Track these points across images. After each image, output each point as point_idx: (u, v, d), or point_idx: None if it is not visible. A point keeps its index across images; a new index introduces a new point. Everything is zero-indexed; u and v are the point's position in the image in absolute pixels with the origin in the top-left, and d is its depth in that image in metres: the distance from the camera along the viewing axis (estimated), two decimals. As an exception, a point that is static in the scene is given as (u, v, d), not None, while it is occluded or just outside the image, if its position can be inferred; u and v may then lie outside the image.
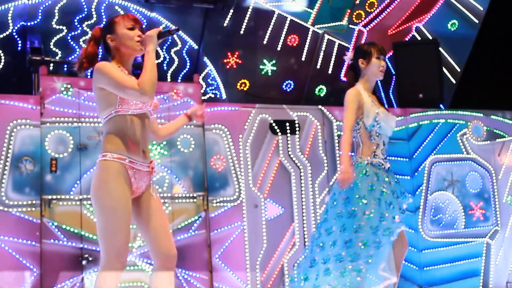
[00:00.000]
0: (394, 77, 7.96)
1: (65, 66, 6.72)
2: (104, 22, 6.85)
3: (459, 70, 8.26)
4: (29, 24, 6.62)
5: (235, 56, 7.53)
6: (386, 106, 8.02)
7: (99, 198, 3.26)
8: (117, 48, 3.43)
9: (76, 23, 6.78)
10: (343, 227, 4.11)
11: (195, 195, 5.74)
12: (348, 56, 4.55)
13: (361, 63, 4.41)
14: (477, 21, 8.25)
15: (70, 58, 6.72)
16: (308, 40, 7.87)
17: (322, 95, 8.07)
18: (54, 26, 6.69)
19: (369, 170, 4.23)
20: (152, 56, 3.33)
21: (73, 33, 6.77)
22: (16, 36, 6.60)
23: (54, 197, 5.30)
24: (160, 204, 3.44)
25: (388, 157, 5.82)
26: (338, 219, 4.13)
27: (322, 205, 6.22)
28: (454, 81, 8.28)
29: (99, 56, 3.44)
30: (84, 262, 5.28)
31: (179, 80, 7.13)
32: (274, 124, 6.19)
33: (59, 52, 6.70)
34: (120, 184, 3.24)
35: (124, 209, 3.25)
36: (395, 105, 8.08)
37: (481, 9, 8.21)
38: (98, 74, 3.29)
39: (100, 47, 3.47)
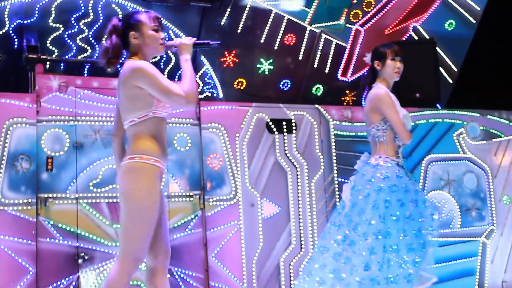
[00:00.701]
0: (391, 76, 7.96)
1: (62, 64, 6.71)
2: (100, 21, 6.86)
3: (456, 70, 8.27)
4: (25, 22, 6.60)
5: (232, 55, 7.53)
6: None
7: (131, 200, 3.24)
8: (140, 47, 3.47)
9: (73, 21, 6.76)
10: (404, 231, 4.10)
11: (191, 193, 5.73)
12: (367, 57, 4.61)
13: (376, 64, 4.50)
14: (474, 21, 8.26)
15: (66, 57, 6.71)
16: (305, 39, 7.87)
17: (319, 94, 8.07)
18: (51, 24, 6.68)
19: (399, 171, 4.30)
20: (190, 64, 3.39)
21: (69, 31, 6.76)
22: (12, 34, 6.59)
23: (50, 195, 5.29)
24: (164, 203, 3.50)
25: None
26: (396, 222, 4.10)
27: (318, 203, 6.22)
28: (451, 81, 8.29)
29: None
30: (80, 261, 5.28)
31: (176, 79, 7.13)
32: (271, 123, 6.19)
33: (56, 51, 6.68)
34: (155, 189, 3.26)
35: (155, 215, 3.26)
36: (392, 104, 8.08)
37: (478, 9, 8.22)
38: (139, 73, 3.31)
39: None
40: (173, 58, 7.23)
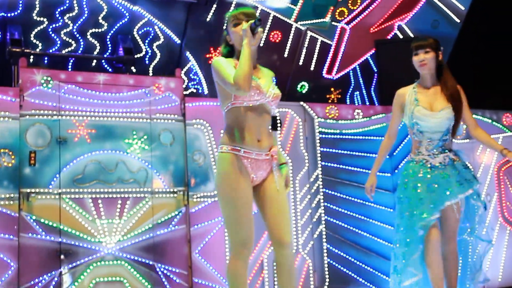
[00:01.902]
0: (375, 75, 8.00)
1: (45, 58, 6.66)
2: (85, 15, 6.81)
3: (440, 68, 8.31)
4: (9, 15, 6.54)
5: (218, 51, 7.52)
6: (367, 103, 8.08)
7: (219, 190, 3.48)
8: (234, 45, 3.62)
9: (57, 15, 6.72)
10: (399, 226, 4.46)
11: (175, 190, 5.72)
12: None
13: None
14: (458, 21, 8.32)
15: (50, 51, 6.66)
16: (291, 37, 7.88)
17: (304, 91, 8.09)
18: (35, 17, 6.63)
19: (407, 168, 4.50)
20: (246, 50, 3.40)
21: (54, 25, 6.71)
22: (-5, 28, 6.53)
23: (33, 190, 5.25)
24: (281, 192, 3.53)
25: (368, 154, 5.93)
26: (398, 218, 4.47)
27: (302, 201, 6.23)
28: (435, 80, 8.33)
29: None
30: (62, 257, 5.24)
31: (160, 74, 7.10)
32: (255, 120, 6.17)
33: (40, 44, 6.63)
34: (236, 174, 3.40)
35: (243, 198, 3.41)
36: (376, 102, 8.13)
37: (463, 8, 8.29)
38: (212, 69, 3.52)
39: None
40: (158, 54, 7.20)
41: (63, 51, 6.72)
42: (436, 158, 4.44)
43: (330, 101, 7.97)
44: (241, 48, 3.48)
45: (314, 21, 7.95)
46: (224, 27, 3.71)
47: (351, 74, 8.34)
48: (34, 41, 6.60)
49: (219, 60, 3.50)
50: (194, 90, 7.38)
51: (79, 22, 6.81)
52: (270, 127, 3.59)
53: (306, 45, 7.97)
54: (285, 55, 7.91)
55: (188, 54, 7.33)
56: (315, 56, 8.03)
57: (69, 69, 6.70)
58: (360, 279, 6.33)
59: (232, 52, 3.65)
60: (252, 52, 3.52)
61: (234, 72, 3.39)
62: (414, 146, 4.53)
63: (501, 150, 4.39)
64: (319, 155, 6.36)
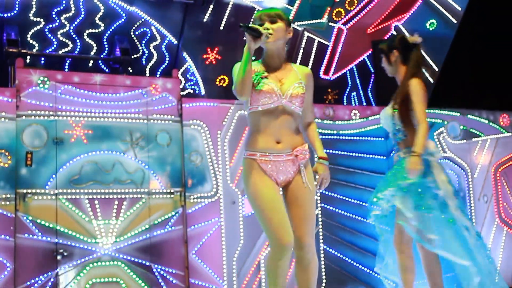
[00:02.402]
0: (372, 75, 8.00)
1: (42, 58, 6.65)
2: (82, 16, 6.80)
3: (437, 69, 8.32)
4: (5, 15, 6.53)
5: (215, 52, 7.51)
6: (364, 104, 8.09)
7: (247, 193, 3.55)
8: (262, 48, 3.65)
9: (54, 16, 6.70)
10: None
11: (172, 190, 5.71)
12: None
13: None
14: (455, 21, 8.32)
15: (47, 51, 6.64)
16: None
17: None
18: (32, 18, 6.61)
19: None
20: (244, 55, 3.48)
21: (50, 26, 6.69)
22: (-8, 28, 6.52)
23: (29, 191, 5.24)
24: (307, 192, 3.54)
25: (365, 155, 5.99)
26: None
27: (299, 202, 6.23)
28: (432, 80, 8.34)
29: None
30: (59, 257, 5.24)
31: (158, 75, 7.09)
32: (252, 121, 6.17)
33: (36, 45, 6.62)
34: (255, 176, 3.47)
35: (266, 195, 3.44)
36: (373, 103, 8.13)
37: (460, 9, 8.29)
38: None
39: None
40: (155, 54, 7.19)
41: (60, 52, 6.70)
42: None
43: (327, 101, 7.97)
44: (267, 48, 3.61)
45: (311, 21, 7.95)
46: None
47: (348, 74, 8.34)
48: (31, 41, 6.59)
49: (235, 67, 3.60)
50: (191, 91, 7.37)
51: (76, 23, 6.79)
52: (292, 127, 3.56)
53: (303, 45, 7.96)
54: (282, 56, 7.91)
55: (185, 54, 7.32)
56: (312, 56, 8.02)
57: (66, 70, 6.69)
58: (357, 280, 6.33)
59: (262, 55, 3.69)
60: (273, 51, 3.60)
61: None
62: None
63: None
64: (316, 156, 6.34)
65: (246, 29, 3.44)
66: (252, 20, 3.64)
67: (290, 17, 7.78)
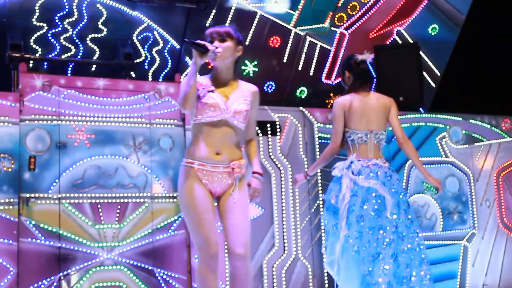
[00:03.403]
0: (374, 80, 8.01)
1: (45, 63, 6.67)
2: (85, 21, 6.82)
3: (439, 74, 8.34)
4: (9, 20, 6.54)
5: (217, 56, 7.51)
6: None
7: (179, 199, 3.70)
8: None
9: (57, 21, 6.72)
10: None
11: (175, 195, 5.71)
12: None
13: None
14: (457, 26, 8.34)
15: (50, 56, 6.66)
16: (290, 42, 7.89)
17: (303, 96, 8.10)
18: (35, 23, 6.63)
19: None
20: (190, 68, 3.67)
21: (53, 31, 6.71)
22: (-5, 33, 6.53)
23: (33, 195, 5.24)
24: (240, 203, 3.69)
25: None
26: None
27: (302, 206, 6.23)
28: (434, 85, 8.36)
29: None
30: (61, 262, 5.23)
31: (160, 80, 7.11)
32: (255, 125, 6.18)
33: (39, 49, 6.64)
34: (191, 184, 3.61)
35: (200, 204, 3.58)
36: (375, 108, 8.13)
37: (461, 14, 8.30)
38: None
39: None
40: (158, 59, 7.21)
41: (63, 56, 6.72)
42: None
43: (329, 106, 7.98)
44: (216, 65, 3.78)
45: (313, 26, 7.97)
46: None
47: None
48: (34, 46, 6.61)
49: (182, 79, 3.77)
50: (194, 95, 7.38)
51: (79, 27, 6.81)
52: (233, 140, 3.73)
53: (305, 50, 7.98)
54: (284, 60, 7.93)
55: (187, 59, 7.33)
56: (314, 61, 8.04)
57: (69, 74, 6.71)
58: (360, 284, 6.32)
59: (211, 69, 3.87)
60: (222, 68, 3.77)
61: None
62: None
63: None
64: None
65: (191, 45, 3.59)
66: (209, 34, 3.81)
67: (292, 22, 7.80)
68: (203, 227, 3.55)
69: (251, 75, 7.74)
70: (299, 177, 4.91)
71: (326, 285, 6.21)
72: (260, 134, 6.18)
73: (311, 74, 8.05)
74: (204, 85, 3.73)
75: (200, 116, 3.65)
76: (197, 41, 3.61)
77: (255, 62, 7.74)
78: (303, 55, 7.97)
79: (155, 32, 7.17)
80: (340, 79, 8.07)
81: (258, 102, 3.89)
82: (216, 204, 3.73)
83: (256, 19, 7.63)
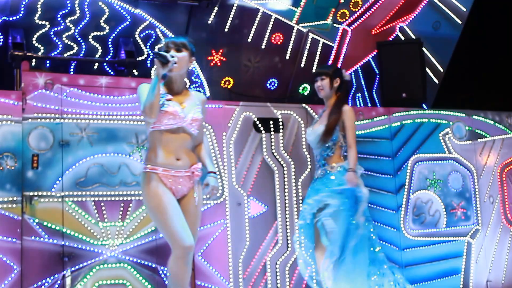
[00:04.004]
0: (377, 76, 8.00)
1: (47, 61, 6.67)
2: (87, 19, 6.82)
3: (442, 70, 8.32)
4: (11, 19, 6.55)
5: (220, 53, 7.52)
6: (369, 105, 8.10)
7: (146, 204, 3.95)
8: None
9: (59, 19, 6.72)
10: None
11: (178, 192, 5.71)
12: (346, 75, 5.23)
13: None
14: (460, 22, 8.32)
15: (52, 54, 6.66)
16: (292, 39, 7.88)
17: (306, 93, 8.09)
18: (37, 21, 6.63)
19: None
20: (153, 80, 3.81)
21: (56, 29, 6.71)
22: (-3, 31, 6.54)
23: (36, 193, 5.25)
24: (197, 207, 4.00)
25: (371, 156, 6.19)
26: None
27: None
28: (437, 81, 8.34)
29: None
30: (65, 260, 5.24)
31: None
32: (258, 122, 6.18)
33: (42, 48, 6.64)
34: (157, 188, 3.85)
35: (168, 204, 3.83)
36: (378, 104, 8.13)
37: (464, 10, 8.29)
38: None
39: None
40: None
41: (65, 55, 6.72)
42: (317, 170, 5.08)
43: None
44: (171, 73, 3.95)
45: (316, 23, 7.95)
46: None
47: (353, 76, 8.34)
48: (36, 44, 6.61)
49: (140, 88, 3.94)
50: (196, 93, 7.37)
51: (81, 26, 6.81)
52: (189, 146, 4.00)
53: (307, 47, 7.97)
54: (287, 57, 7.92)
55: (189, 57, 7.32)
56: (317, 58, 8.03)
57: (71, 73, 6.71)
58: (363, 281, 6.32)
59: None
60: (176, 77, 3.99)
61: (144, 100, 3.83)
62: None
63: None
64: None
65: (157, 56, 3.80)
66: (166, 44, 4.00)
67: (295, 19, 7.79)
68: (175, 225, 3.79)
69: (254, 72, 7.74)
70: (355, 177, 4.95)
71: (330, 282, 6.20)
72: (263, 131, 6.18)
73: (313, 71, 8.03)
74: (162, 94, 3.91)
75: (159, 124, 3.87)
76: (160, 52, 3.84)
77: (258, 59, 7.73)
78: (306, 52, 7.96)
79: (157, 30, 7.16)
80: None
81: (206, 110, 4.20)
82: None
83: (259, 16, 7.63)
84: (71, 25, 6.76)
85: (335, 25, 8.04)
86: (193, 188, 3.97)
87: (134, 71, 6.76)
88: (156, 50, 3.91)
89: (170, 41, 4.00)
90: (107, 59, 6.90)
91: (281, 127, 6.26)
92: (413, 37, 8.10)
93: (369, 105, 8.31)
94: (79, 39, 6.81)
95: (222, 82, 7.59)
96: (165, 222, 3.81)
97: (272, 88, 7.92)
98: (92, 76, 5.71)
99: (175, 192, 3.92)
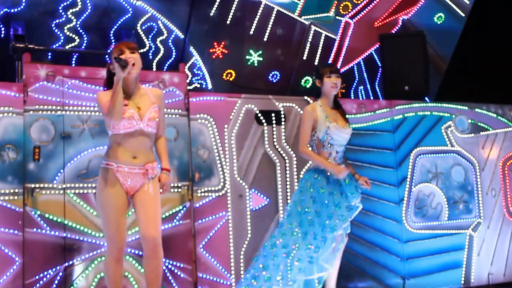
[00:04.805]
0: (380, 69, 7.99)
1: (49, 54, 6.66)
2: (88, 11, 6.81)
3: (444, 63, 8.30)
4: (12, 11, 6.54)
5: (222, 46, 7.51)
6: (371, 97, 8.06)
7: (97, 197, 4.18)
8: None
9: (61, 11, 6.71)
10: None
11: (179, 184, 5.72)
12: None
13: (317, 82, 5.04)
14: (463, 15, 8.30)
15: (54, 46, 6.65)
16: (295, 31, 7.86)
17: (308, 86, 8.08)
18: (38, 13, 6.62)
19: (311, 174, 4.97)
20: (115, 85, 4.00)
21: (57, 21, 6.71)
22: (-1, 23, 6.54)
23: (37, 185, 5.25)
24: (150, 197, 4.17)
25: (373, 149, 6.15)
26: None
27: (306, 196, 6.22)
28: (439, 74, 8.32)
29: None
30: (67, 252, 5.25)
31: (164, 69, 7.09)
32: (259, 115, 6.17)
33: (43, 40, 6.63)
34: (109, 184, 4.10)
35: (113, 203, 4.09)
36: (380, 97, 8.11)
37: (467, 2, 8.26)
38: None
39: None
40: (162, 49, 7.20)
41: (67, 47, 6.71)
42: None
43: (334, 95, 7.96)
44: (127, 77, 4.09)
45: (318, 15, 7.94)
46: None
47: (355, 68, 8.33)
48: (38, 36, 6.60)
49: (98, 95, 4.14)
50: (198, 85, 7.38)
51: (83, 18, 6.81)
52: (147, 145, 4.20)
53: (310, 39, 7.95)
54: (289, 50, 7.90)
55: (191, 49, 7.32)
56: (319, 50, 8.01)
57: (73, 65, 6.70)
58: (365, 273, 6.33)
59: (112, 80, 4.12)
60: (132, 79, 4.14)
61: (107, 106, 4.02)
62: (322, 156, 4.94)
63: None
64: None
65: (119, 61, 3.97)
66: (118, 48, 4.12)
67: (297, 11, 7.77)
68: (113, 225, 4.06)
69: (256, 64, 7.72)
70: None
71: (331, 275, 6.21)
72: (265, 124, 6.17)
73: (316, 63, 8.02)
74: None
75: (118, 128, 4.09)
76: (121, 57, 4.01)
77: (260, 52, 7.72)
78: (308, 44, 7.94)
79: (159, 22, 7.15)
80: (345, 68, 8.06)
81: (164, 104, 4.36)
82: (130, 200, 4.19)
83: (261, 8, 7.61)
84: (72, 17, 6.75)
85: (337, 17, 8.02)
86: (147, 183, 4.15)
87: (136, 63, 6.74)
88: (115, 55, 4.03)
89: (123, 44, 4.19)
90: (108, 51, 6.89)
91: (283, 119, 6.25)
92: (416, 29, 8.07)
93: (372, 97, 8.30)
94: (80, 31, 6.80)
95: (224, 74, 7.59)
96: (105, 221, 4.09)
97: (274, 81, 7.90)
98: (94, 68, 5.70)
99: (128, 188, 4.13)
